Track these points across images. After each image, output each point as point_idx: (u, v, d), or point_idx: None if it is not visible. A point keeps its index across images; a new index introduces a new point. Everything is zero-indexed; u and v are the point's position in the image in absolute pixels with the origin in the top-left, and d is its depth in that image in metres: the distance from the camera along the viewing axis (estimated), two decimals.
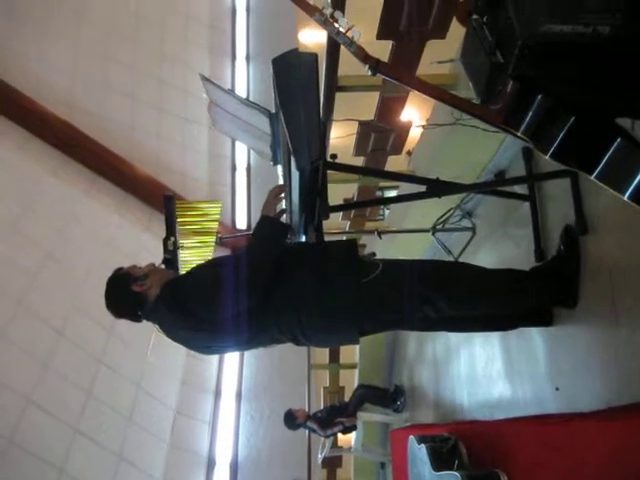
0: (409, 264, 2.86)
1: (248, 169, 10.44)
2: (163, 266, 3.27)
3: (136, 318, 2.78)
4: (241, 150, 10.48)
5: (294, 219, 2.89)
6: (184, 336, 2.73)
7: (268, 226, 2.69)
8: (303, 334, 2.66)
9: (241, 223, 9.82)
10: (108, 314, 2.75)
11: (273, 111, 2.86)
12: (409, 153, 5.92)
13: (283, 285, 2.61)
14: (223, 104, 3.13)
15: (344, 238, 5.38)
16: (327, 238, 2.98)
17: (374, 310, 2.65)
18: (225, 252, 6.90)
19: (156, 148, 9.44)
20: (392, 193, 7.15)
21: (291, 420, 7.31)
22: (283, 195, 2.83)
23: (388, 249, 5.46)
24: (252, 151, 6.32)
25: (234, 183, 10.34)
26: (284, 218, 2.89)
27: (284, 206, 2.90)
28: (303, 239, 3.03)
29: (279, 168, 3.24)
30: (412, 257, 3.40)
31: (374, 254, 3.01)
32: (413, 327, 3.04)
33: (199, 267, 2.83)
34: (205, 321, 2.58)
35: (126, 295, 2.71)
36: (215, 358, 8.68)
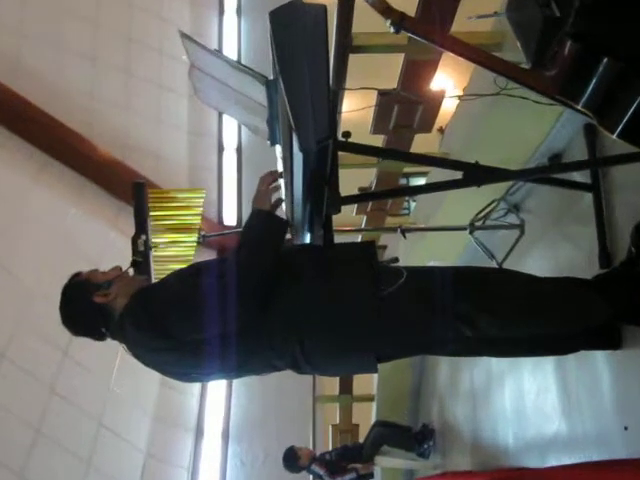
0: (440, 272, 2.85)
1: (239, 150, 10.45)
2: (132, 271, 3.21)
3: (98, 336, 2.78)
4: (230, 126, 10.50)
5: (296, 214, 2.85)
6: (157, 360, 2.74)
7: (262, 222, 2.69)
8: (306, 360, 2.66)
9: (230, 218, 9.83)
10: (64, 331, 2.76)
11: (271, 77, 2.74)
12: (441, 131, 5.90)
13: (281, 298, 2.61)
14: (208, 68, 3.08)
15: (359, 238, 5.43)
16: (337, 238, 2.95)
17: (396, 330, 2.65)
18: (210, 255, 6.90)
19: (123, 123, 9.45)
20: (420, 181, 7.14)
21: (293, 460, 7.29)
22: (278, 183, 2.83)
23: (414, 252, 5.48)
24: (244, 127, 6.29)
25: (221, 167, 10.34)
26: (282, 212, 2.87)
27: (282, 196, 2.88)
28: (307, 240, 3.03)
29: (278, 149, 3.09)
30: (444, 262, 3.35)
31: (396, 259, 3.02)
32: (445, 351, 3.05)
33: (177, 274, 2.83)
34: (183, 342, 2.59)
35: (85, 307, 2.71)
36: (196, 388, 8.69)
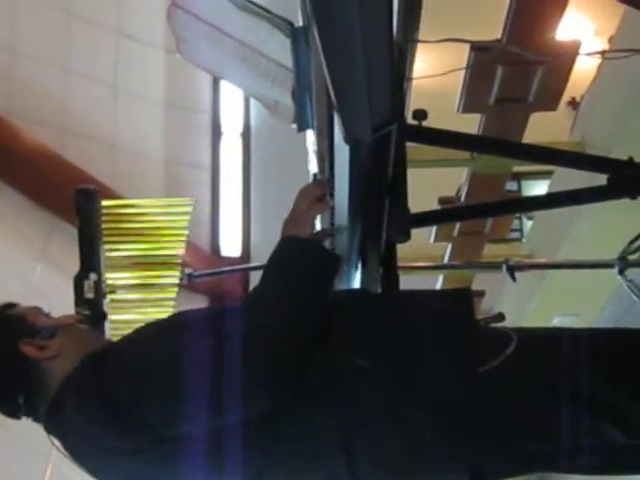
0: (572, 337, 2.29)
1: (245, 136, 9.56)
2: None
3: (9, 408, 2.22)
4: (232, 99, 9.53)
5: (339, 241, 2.53)
6: (113, 470, 2.11)
7: (301, 258, 2.21)
8: (353, 474, 2.09)
9: (230, 246, 8.81)
10: None
11: (299, 24, 2.51)
12: (574, 105, 5.47)
13: (317, 377, 2.10)
14: (199, 7, 2.77)
15: (439, 281, 4.98)
16: (404, 281, 2.60)
17: (502, 430, 2.11)
18: (199, 304, 6.12)
19: (61, 94, 8.22)
20: (538, 186, 6.69)
21: None
22: (330, 202, 2.36)
23: (529, 303, 5.14)
24: (254, 101, 5.91)
25: (217, 164, 9.40)
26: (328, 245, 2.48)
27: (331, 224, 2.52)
28: (355, 283, 2.75)
29: (310, 137, 2.94)
30: (578, 320, 3.42)
31: (502, 317, 2.44)
32: (579, 467, 2.35)
33: (148, 330, 2.30)
34: (158, 440, 2.00)
35: (5, 356, 2.18)
36: None
